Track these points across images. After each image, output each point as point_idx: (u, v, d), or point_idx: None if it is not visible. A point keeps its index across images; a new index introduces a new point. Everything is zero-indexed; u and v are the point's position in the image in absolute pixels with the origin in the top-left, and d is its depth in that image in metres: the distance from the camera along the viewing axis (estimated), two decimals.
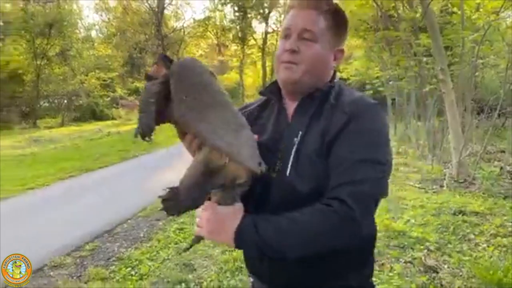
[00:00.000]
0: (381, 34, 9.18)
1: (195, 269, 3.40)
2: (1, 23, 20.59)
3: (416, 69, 8.42)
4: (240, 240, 0.93)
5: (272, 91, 1.13)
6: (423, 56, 7.75)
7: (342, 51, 1.10)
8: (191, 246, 1.16)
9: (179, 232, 4.29)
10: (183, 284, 3.15)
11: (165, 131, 1.07)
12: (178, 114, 0.91)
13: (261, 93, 1.19)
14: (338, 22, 1.06)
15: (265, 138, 1.08)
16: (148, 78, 0.96)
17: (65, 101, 22.17)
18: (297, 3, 1.05)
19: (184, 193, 0.92)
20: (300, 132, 1.02)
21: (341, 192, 0.90)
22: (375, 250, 1.15)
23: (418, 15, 7.69)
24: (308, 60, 1.03)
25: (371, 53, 12.09)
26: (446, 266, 3.16)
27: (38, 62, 19.16)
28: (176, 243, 3.98)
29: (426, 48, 7.49)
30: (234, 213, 0.96)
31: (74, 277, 3.39)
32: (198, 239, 1.08)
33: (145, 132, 0.91)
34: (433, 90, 7.36)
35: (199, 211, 1.01)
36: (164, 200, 0.93)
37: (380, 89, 11.34)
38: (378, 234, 1.15)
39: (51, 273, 3.46)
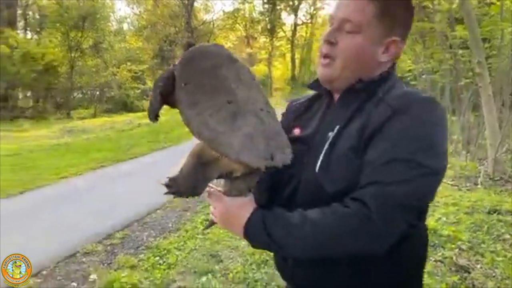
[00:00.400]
0: (414, 25, 8.92)
1: (221, 260, 3.43)
2: (38, 16, 21.29)
3: (452, 62, 8.13)
4: (249, 236, 0.90)
5: (320, 85, 1.03)
6: (459, 48, 7.48)
7: (395, 42, 0.95)
8: (206, 228, 1.19)
9: (206, 222, 4.33)
10: (209, 275, 3.18)
11: None
12: (178, 100, 0.87)
13: (308, 86, 1.09)
14: (392, 9, 0.93)
15: (306, 133, 1.02)
16: (174, 66, 0.96)
17: (98, 92, 22.76)
18: None
19: (183, 182, 0.91)
20: (338, 126, 0.93)
21: (366, 194, 0.80)
22: None
23: (454, 6, 7.41)
24: (345, 53, 0.93)
25: None
26: (478, 266, 3.06)
27: (72, 54, 19.73)
28: (203, 234, 4.02)
29: (463, 40, 7.22)
30: (242, 206, 0.91)
31: (105, 264, 3.49)
32: (211, 223, 1.08)
33: (149, 115, 0.90)
34: (469, 84, 7.10)
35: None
36: (167, 186, 0.92)
37: (413, 82, 11.04)
38: None
39: (83, 260, 3.58)
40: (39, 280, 3.22)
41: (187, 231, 4.16)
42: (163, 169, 1.07)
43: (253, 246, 0.93)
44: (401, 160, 0.81)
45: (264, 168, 0.82)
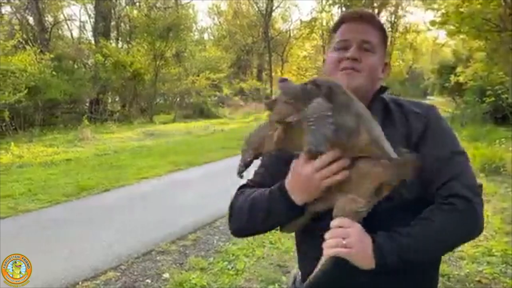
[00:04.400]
0: (509, 34, 8.22)
1: (288, 271, 3.40)
2: (128, 27, 23.05)
3: None
4: (379, 257, 0.94)
5: None
6: None
7: (387, 64, 1.17)
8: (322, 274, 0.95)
9: (274, 232, 4.33)
10: (276, 284, 3.18)
11: None
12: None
13: None
14: (385, 39, 1.16)
15: None
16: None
17: (178, 99, 23.95)
18: (351, 17, 1.12)
19: None
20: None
21: (455, 188, 0.96)
22: None
23: None
24: (368, 69, 1.08)
25: (494, 55, 10.89)
26: None
27: (157, 63, 21.01)
28: (271, 243, 4.03)
29: None
30: (363, 230, 0.96)
31: (177, 264, 3.64)
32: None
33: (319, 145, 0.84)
34: None
35: (340, 229, 0.94)
36: None
37: (504, 96, 10.17)
38: None
39: (157, 258, 3.77)
40: (118, 274, 3.45)
41: (255, 238, 4.19)
42: (235, 176, 1.10)
43: (380, 264, 0.95)
44: (458, 153, 1.03)
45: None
